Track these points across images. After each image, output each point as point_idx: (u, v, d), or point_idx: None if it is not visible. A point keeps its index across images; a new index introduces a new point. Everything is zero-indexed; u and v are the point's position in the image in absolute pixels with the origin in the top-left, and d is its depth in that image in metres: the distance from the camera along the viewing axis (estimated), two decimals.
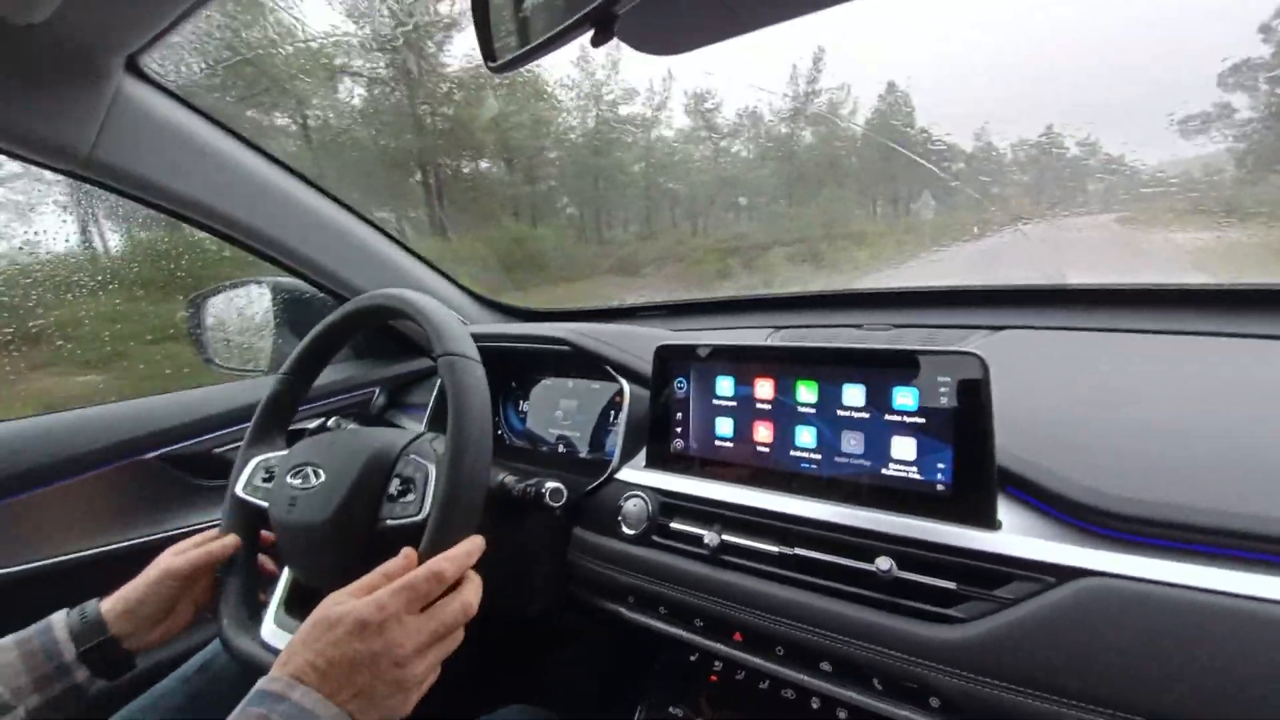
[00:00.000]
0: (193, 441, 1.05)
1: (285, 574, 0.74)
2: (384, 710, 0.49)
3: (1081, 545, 0.52)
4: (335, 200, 1.12)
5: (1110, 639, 0.47)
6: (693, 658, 0.83)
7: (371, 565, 0.64)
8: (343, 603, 0.52)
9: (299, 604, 0.71)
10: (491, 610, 0.60)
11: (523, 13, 0.46)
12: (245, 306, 1.29)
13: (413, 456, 0.67)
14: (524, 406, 1.10)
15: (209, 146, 0.96)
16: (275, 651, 0.64)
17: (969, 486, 0.57)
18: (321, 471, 0.68)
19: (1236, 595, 0.44)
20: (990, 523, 0.55)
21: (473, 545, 0.59)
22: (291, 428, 0.85)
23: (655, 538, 0.75)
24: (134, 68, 0.86)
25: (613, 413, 0.97)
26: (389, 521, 0.64)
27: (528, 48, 0.46)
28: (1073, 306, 0.91)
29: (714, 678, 0.81)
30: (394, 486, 0.66)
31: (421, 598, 0.53)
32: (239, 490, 0.75)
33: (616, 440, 0.86)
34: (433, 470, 0.65)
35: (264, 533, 0.76)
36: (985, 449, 0.56)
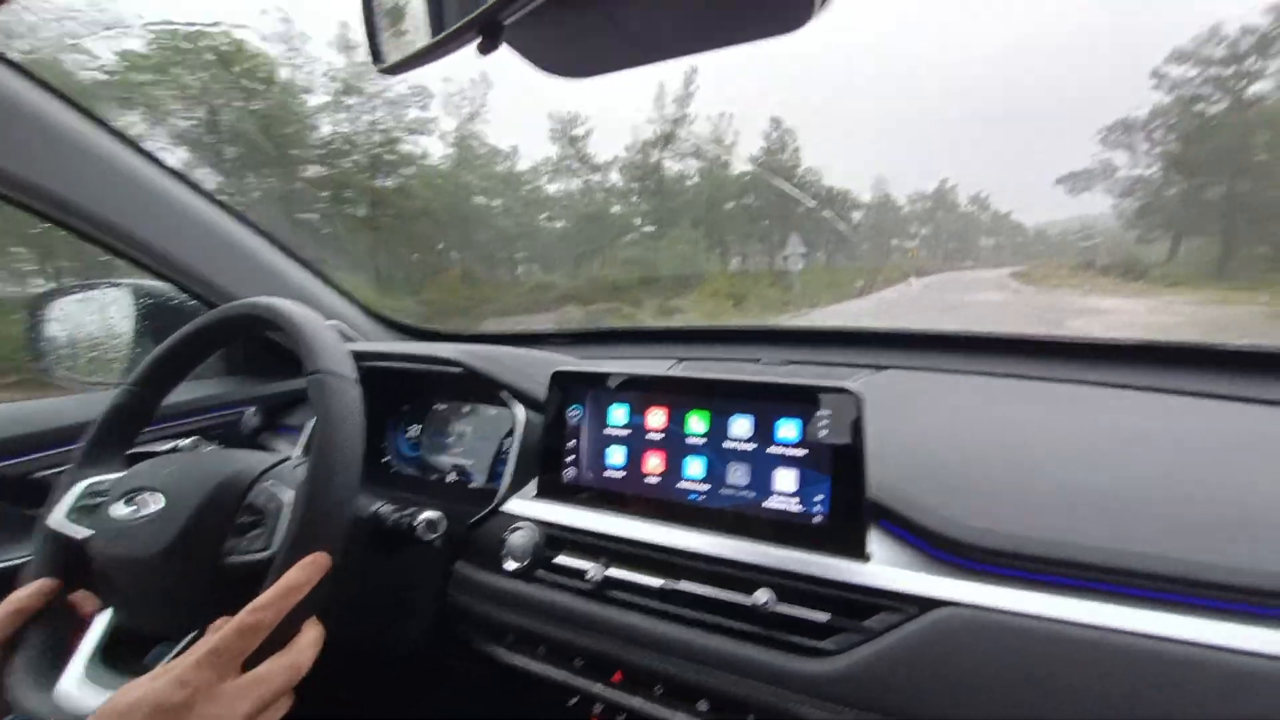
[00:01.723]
0: (11, 462, 0.91)
1: (104, 617, 0.64)
2: None
3: (942, 576, 0.54)
4: (212, 199, 1.03)
5: (966, 668, 0.49)
6: (572, 702, 0.79)
7: (212, 605, 0.56)
8: (137, 687, 0.43)
9: (119, 657, 0.61)
10: (361, 648, 0.54)
11: (411, 15, 0.45)
12: (99, 311, 1.15)
13: (269, 484, 0.61)
14: (415, 431, 1.04)
15: (62, 130, 0.86)
16: (74, 712, 0.54)
17: (843, 518, 0.59)
18: (160, 497, 0.60)
19: (1088, 626, 0.47)
20: (860, 553, 0.57)
21: (297, 580, 0.49)
22: (139, 449, 0.75)
23: (539, 572, 0.71)
24: None
25: (508, 440, 0.93)
26: (233, 558, 0.57)
27: (414, 51, 0.44)
28: (952, 351, 0.99)
29: None
30: (243, 517, 0.59)
31: (235, 659, 0.45)
32: (58, 519, 0.64)
33: (507, 470, 0.82)
34: (288, 502, 0.59)
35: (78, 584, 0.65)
36: (858, 482, 0.58)
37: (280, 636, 0.48)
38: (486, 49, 0.40)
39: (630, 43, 0.48)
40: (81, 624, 0.65)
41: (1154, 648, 0.45)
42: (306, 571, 0.50)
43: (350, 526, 0.56)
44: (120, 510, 0.60)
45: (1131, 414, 0.75)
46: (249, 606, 0.47)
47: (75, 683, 0.57)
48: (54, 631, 0.61)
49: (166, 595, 0.58)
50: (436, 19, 0.42)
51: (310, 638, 0.50)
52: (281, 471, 0.63)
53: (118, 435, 0.71)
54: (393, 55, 0.48)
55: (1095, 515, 0.54)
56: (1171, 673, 0.44)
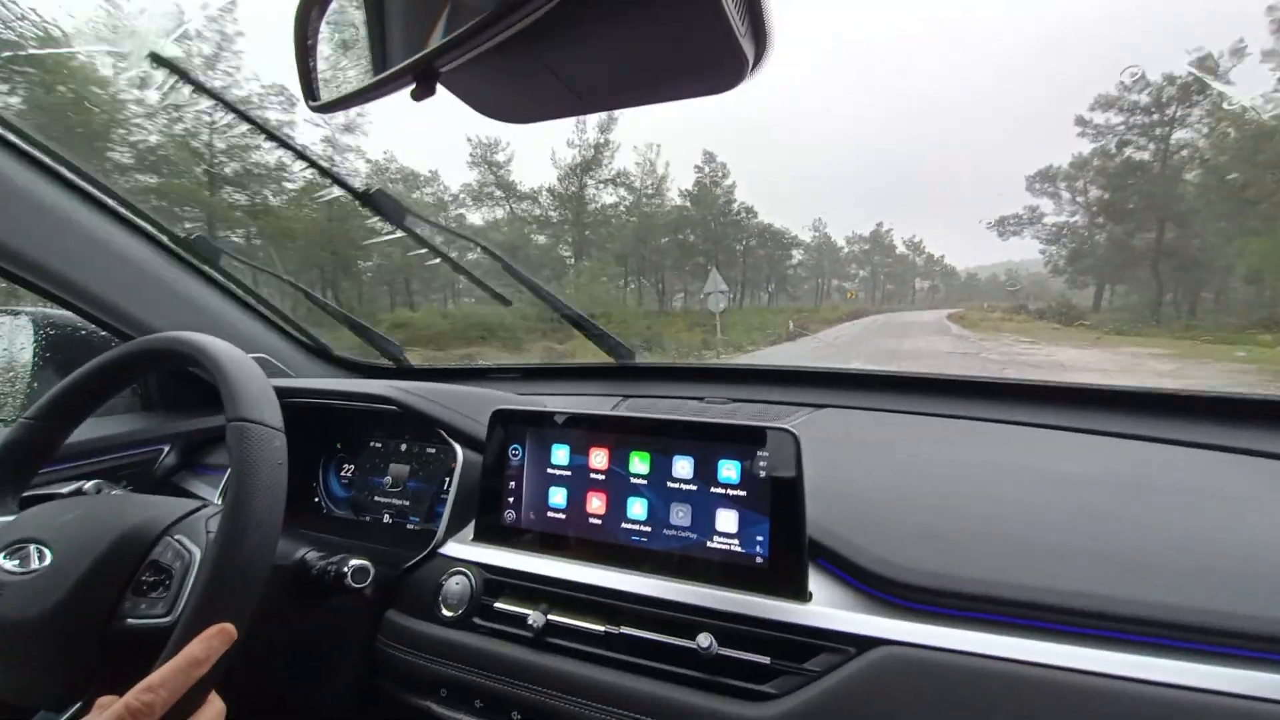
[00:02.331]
0: None
1: None
2: None
3: (880, 615, 0.55)
4: (129, 224, 0.96)
5: (905, 705, 0.50)
6: None
7: (102, 673, 0.51)
8: None
9: None
10: (282, 706, 0.50)
11: (346, 56, 0.44)
12: None
13: (177, 539, 0.56)
14: (349, 471, 0.99)
15: None
16: None
17: (783, 559, 0.59)
18: (48, 552, 0.55)
19: (1020, 661, 0.48)
20: (801, 594, 0.57)
21: (196, 654, 0.44)
22: (37, 492, 0.69)
23: (476, 620, 0.69)
24: None
25: (447, 480, 0.90)
26: (129, 620, 0.52)
27: (349, 92, 0.44)
28: (890, 391, 1.02)
29: None
30: (145, 575, 0.54)
31: None
32: None
33: (445, 511, 0.79)
34: (198, 560, 0.54)
35: None
36: (797, 523, 0.59)
37: (176, 716, 0.43)
38: (420, 95, 0.40)
39: (569, 92, 0.49)
40: None
41: (1081, 682, 0.46)
42: (208, 645, 0.45)
43: (270, 577, 0.52)
44: (1, 565, 0.54)
45: (1061, 454, 0.79)
46: (141, 685, 0.42)
47: None
48: None
49: (44, 664, 0.53)
50: (373, 62, 0.42)
51: (213, 712, 0.46)
52: (195, 522, 0.58)
53: (10, 473, 0.65)
54: (326, 94, 0.47)
55: (1026, 554, 0.56)
56: (1099, 706, 0.45)
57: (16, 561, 0.55)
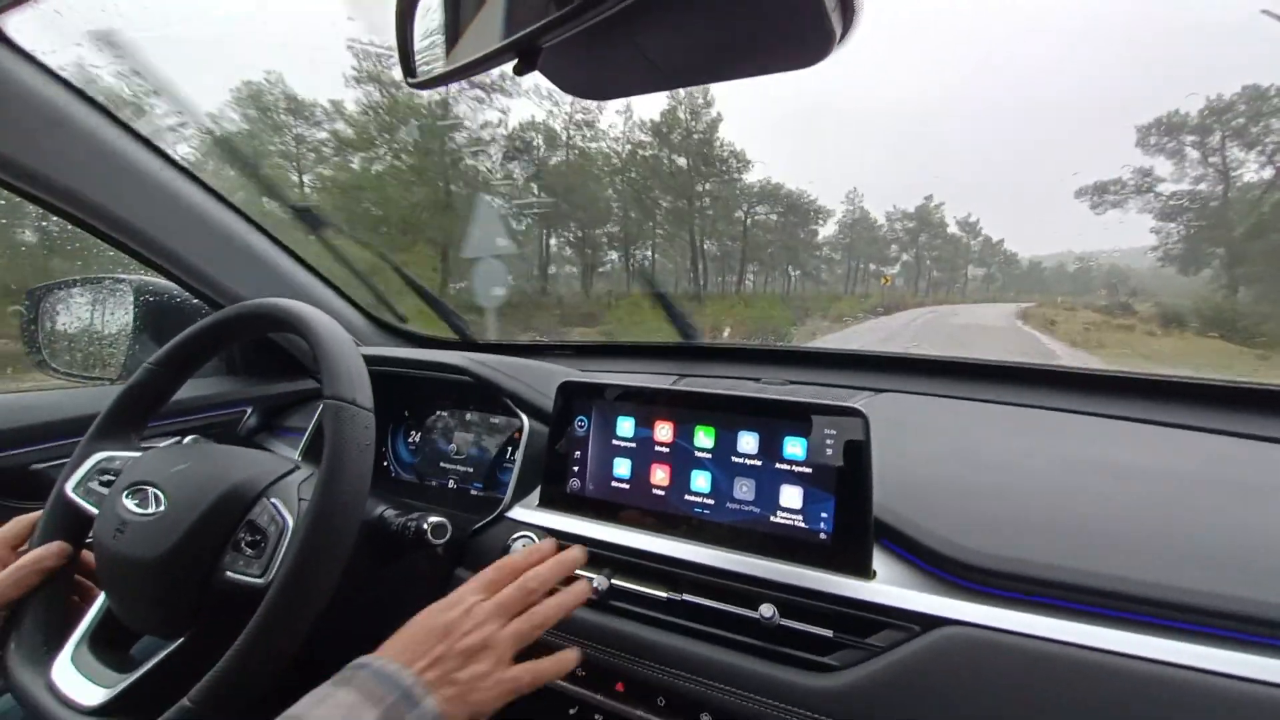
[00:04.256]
0: (5, 454, 0.90)
1: (100, 601, 0.63)
2: (464, 685, 0.50)
3: (945, 596, 0.55)
4: (221, 199, 1.03)
5: (967, 685, 0.50)
6: (572, 711, 0.79)
7: (201, 618, 0.56)
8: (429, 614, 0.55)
9: (108, 643, 0.61)
10: (359, 653, 0.54)
11: (450, 33, 0.46)
12: (99, 305, 1.14)
13: (272, 502, 0.60)
14: (416, 438, 1.04)
15: (80, 127, 0.86)
16: (63, 699, 0.54)
17: (848, 537, 0.60)
18: (163, 498, 0.60)
19: (1084, 646, 0.48)
20: (865, 572, 0.58)
21: (566, 562, 0.61)
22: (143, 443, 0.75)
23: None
24: None
25: (510, 449, 0.93)
26: (228, 574, 0.56)
27: (451, 68, 0.46)
28: (948, 377, 1.00)
29: None
30: (243, 534, 0.58)
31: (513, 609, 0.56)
32: (69, 488, 0.65)
33: (511, 478, 0.83)
34: (290, 527, 0.58)
35: (85, 552, 0.66)
36: (864, 502, 0.59)
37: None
38: (522, 70, 0.42)
39: (653, 69, 0.49)
40: (80, 598, 0.65)
41: (1143, 669, 0.46)
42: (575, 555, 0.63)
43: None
44: (124, 503, 0.60)
45: (1125, 444, 0.77)
46: (530, 575, 0.58)
47: (65, 669, 0.57)
48: (50, 608, 0.62)
49: (156, 599, 0.58)
50: (476, 39, 0.43)
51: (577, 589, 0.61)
52: (288, 487, 0.62)
53: (136, 412, 0.72)
54: (426, 70, 0.49)
55: (1091, 540, 0.56)
56: (1162, 694, 0.45)
57: (136, 502, 0.60)
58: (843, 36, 0.43)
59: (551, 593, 0.59)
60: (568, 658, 0.59)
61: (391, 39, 0.50)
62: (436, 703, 0.47)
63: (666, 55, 0.48)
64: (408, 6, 0.50)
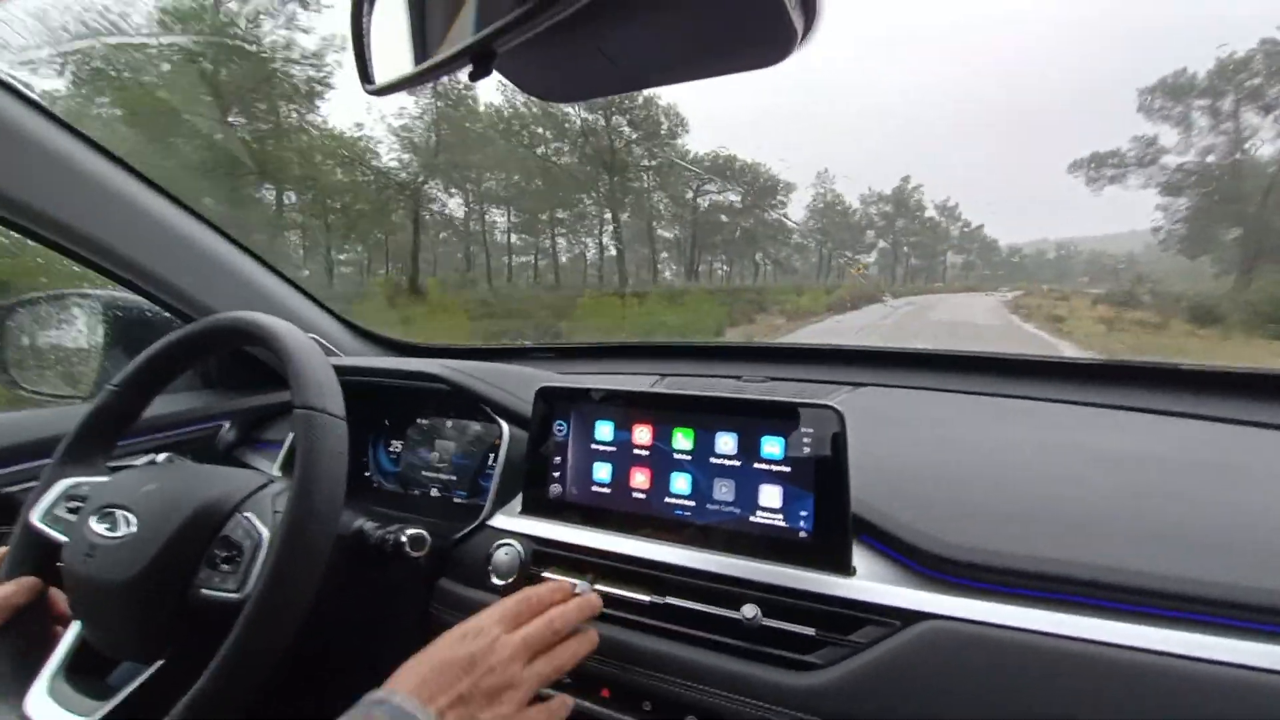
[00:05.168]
0: None
1: (74, 629, 0.62)
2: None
3: (925, 590, 0.55)
4: (188, 210, 1.01)
5: (949, 678, 0.50)
6: None
7: (178, 638, 0.55)
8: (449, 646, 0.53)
9: (84, 671, 0.59)
10: (343, 666, 0.54)
11: (403, 39, 0.45)
12: (67, 322, 1.12)
13: (247, 517, 0.59)
14: (398, 447, 1.03)
15: (32, 137, 0.84)
16: None
17: (827, 534, 0.60)
18: (133, 519, 0.59)
19: (1067, 637, 0.49)
20: (845, 569, 0.58)
21: (587, 607, 0.61)
22: (113, 464, 0.73)
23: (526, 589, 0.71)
24: None
25: (492, 456, 0.93)
26: (204, 591, 0.56)
27: (405, 75, 0.45)
28: (928, 369, 1.01)
29: None
30: (218, 550, 0.57)
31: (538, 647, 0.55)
32: (35, 518, 0.63)
33: (492, 486, 0.82)
34: (265, 541, 0.57)
35: (54, 586, 0.64)
36: (842, 498, 0.59)
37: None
38: (477, 76, 0.41)
39: (616, 70, 0.49)
40: (53, 627, 0.64)
41: (1128, 658, 0.47)
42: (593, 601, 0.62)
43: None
44: (92, 527, 0.59)
45: (1106, 432, 0.77)
46: (557, 614, 0.58)
47: (40, 701, 0.56)
48: (23, 638, 0.60)
49: (130, 622, 0.57)
50: (429, 45, 0.43)
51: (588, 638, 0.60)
52: (262, 500, 0.61)
53: (101, 436, 0.70)
54: (381, 77, 0.48)
55: (1073, 530, 0.56)
56: (1144, 681, 0.45)
57: (106, 525, 0.59)
58: (805, 35, 0.43)
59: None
60: (566, 701, 0.59)
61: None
62: None
63: (626, 56, 0.47)
64: (364, 14, 0.49)
